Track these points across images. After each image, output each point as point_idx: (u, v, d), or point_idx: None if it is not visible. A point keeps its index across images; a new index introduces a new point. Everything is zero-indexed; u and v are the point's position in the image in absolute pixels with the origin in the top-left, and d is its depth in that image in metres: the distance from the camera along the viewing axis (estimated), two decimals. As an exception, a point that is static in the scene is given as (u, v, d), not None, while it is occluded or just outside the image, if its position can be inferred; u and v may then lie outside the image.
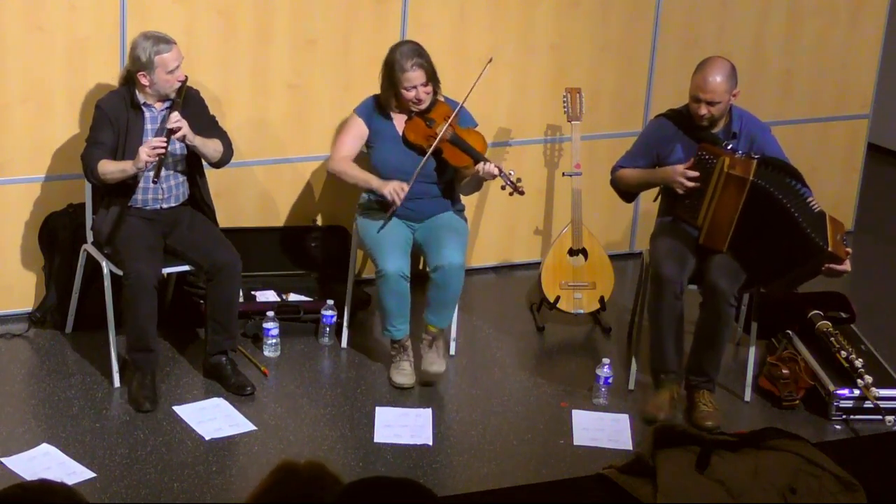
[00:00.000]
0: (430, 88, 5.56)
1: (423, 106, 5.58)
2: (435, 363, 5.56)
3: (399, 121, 5.64)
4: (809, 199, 5.30)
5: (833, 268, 5.24)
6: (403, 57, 5.51)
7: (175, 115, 5.27)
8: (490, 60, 5.73)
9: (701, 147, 5.34)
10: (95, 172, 5.29)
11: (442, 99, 5.67)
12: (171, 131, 5.25)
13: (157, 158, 5.23)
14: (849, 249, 5.27)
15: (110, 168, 5.29)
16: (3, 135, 5.71)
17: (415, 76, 5.51)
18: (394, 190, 5.50)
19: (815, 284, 6.26)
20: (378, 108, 5.66)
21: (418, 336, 5.63)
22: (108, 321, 5.46)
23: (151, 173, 5.29)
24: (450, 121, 5.56)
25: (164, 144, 5.22)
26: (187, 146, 5.39)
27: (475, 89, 5.63)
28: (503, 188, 5.52)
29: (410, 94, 5.53)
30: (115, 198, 5.40)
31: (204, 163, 5.54)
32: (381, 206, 5.64)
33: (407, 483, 2.65)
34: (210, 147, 5.41)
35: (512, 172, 5.53)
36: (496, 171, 5.47)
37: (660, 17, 6.67)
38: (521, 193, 5.53)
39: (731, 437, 4.80)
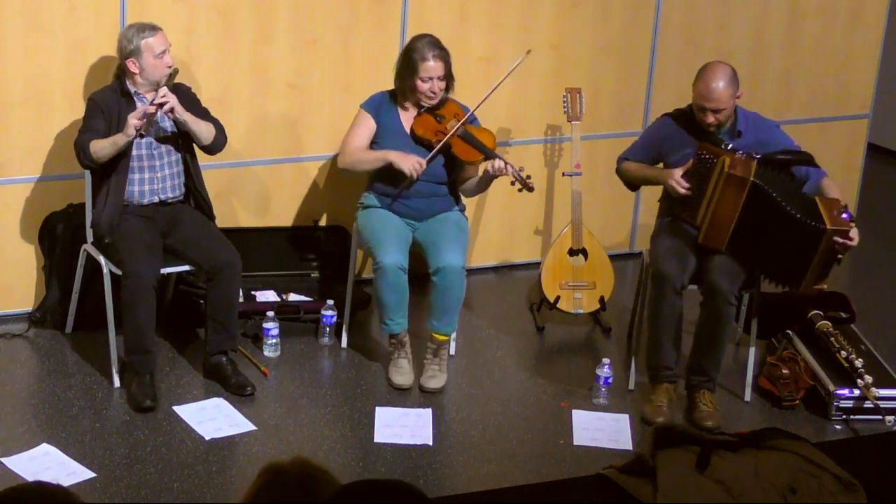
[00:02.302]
0: (444, 84, 5.57)
1: (435, 101, 5.59)
2: (434, 377, 5.56)
3: (407, 116, 5.64)
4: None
5: (844, 242, 5.21)
6: (425, 47, 5.52)
7: (164, 89, 5.29)
8: (528, 52, 5.75)
9: (701, 146, 5.34)
10: (88, 152, 5.31)
11: (452, 99, 5.68)
12: (161, 105, 5.27)
13: (144, 121, 5.24)
14: (852, 224, 5.22)
15: (101, 143, 5.30)
16: (3, 135, 5.71)
17: (434, 67, 5.51)
18: (413, 165, 5.49)
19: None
20: (387, 102, 5.66)
21: (419, 338, 5.63)
22: (108, 321, 5.46)
23: (146, 160, 5.36)
24: (462, 119, 5.56)
25: (152, 110, 5.24)
26: (178, 127, 5.40)
27: (487, 87, 5.65)
28: (512, 184, 5.52)
29: (426, 86, 5.53)
30: (112, 187, 5.39)
31: (198, 156, 5.54)
32: (382, 205, 5.64)
33: (397, 484, 2.65)
34: (202, 126, 5.42)
35: (522, 168, 5.53)
36: (506, 168, 5.47)
37: (660, 17, 6.67)
38: (531, 189, 5.53)
39: (731, 437, 4.80)
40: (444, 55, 5.55)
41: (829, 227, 5.17)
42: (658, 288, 5.35)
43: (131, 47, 5.32)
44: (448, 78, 5.59)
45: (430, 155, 5.52)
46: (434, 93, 5.56)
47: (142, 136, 5.33)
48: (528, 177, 5.51)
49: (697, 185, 5.32)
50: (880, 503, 4.56)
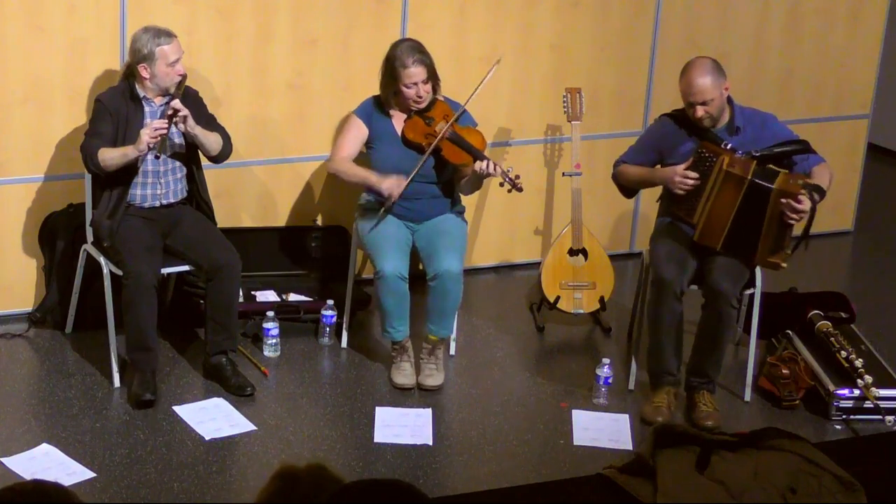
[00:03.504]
0: (429, 87, 5.56)
1: (423, 104, 5.58)
2: (432, 376, 5.56)
3: (398, 120, 5.64)
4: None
5: (791, 204, 5.19)
6: (404, 53, 5.51)
7: (177, 102, 5.28)
8: (498, 61, 5.73)
9: (701, 145, 5.34)
10: (95, 159, 5.30)
11: (441, 98, 5.67)
12: (172, 115, 5.26)
13: (158, 139, 5.24)
14: (802, 189, 5.21)
15: (111, 154, 5.30)
16: (3, 135, 5.71)
17: (416, 72, 5.50)
18: (391, 186, 5.50)
19: (815, 284, 6.28)
20: (377, 107, 5.66)
21: (419, 340, 5.63)
22: (108, 321, 5.46)
23: (150, 165, 5.33)
24: (451, 121, 5.56)
25: (165, 126, 5.24)
26: (186, 140, 5.40)
27: (478, 89, 5.62)
28: (502, 185, 5.52)
29: (411, 92, 5.53)
30: (115, 191, 5.39)
31: (202, 160, 5.55)
32: (380, 206, 5.64)
33: (397, 484, 2.64)
34: (210, 138, 5.42)
35: (510, 169, 5.53)
36: (493, 170, 5.46)
37: (660, 17, 6.67)
38: (520, 190, 5.53)
39: (731, 437, 4.79)
40: (424, 59, 5.53)
41: (776, 186, 5.18)
42: (658, 293, 5.34)
43: (145, 52, 5.30)
44: (432, 79, 5.58)
45: (416, 168, 5.51)
46: (420, 97, 5.55)
47: (157, 157, 5.33)
48: (517, 177, 5.50)
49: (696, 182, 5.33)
50: (880, 503, 4.56)
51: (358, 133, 5.66)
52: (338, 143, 5.68)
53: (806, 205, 5.19)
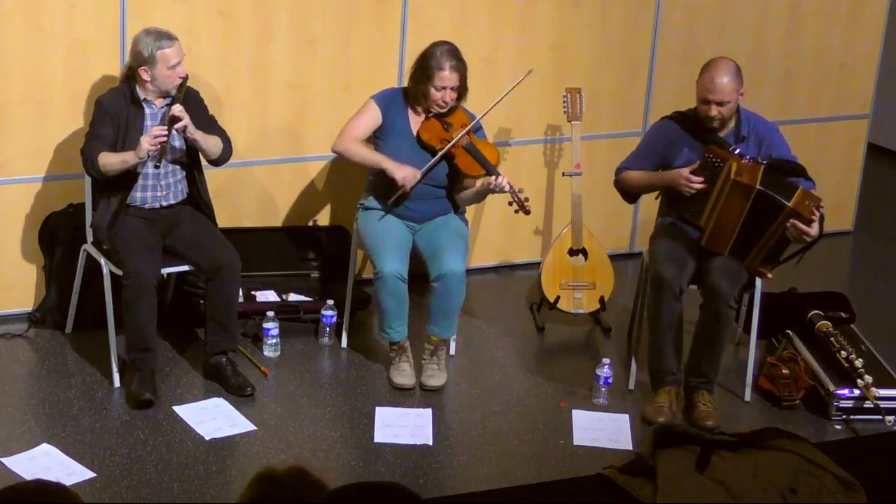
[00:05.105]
0: (456, 95, 5.56)
1: (445, 110, 5.57)
2: (434, 376, 5.56)
3: (415, 119, 5.63)
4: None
5: (798, 226, 5.19)
6: (443, 56, 5.50)
7: (177, 107, 5.28)
8: (530, 71, 5.73)
9: (708, 149, 5.33)
10: (96, 164, 5.29)
11: (462, 107, 5.66)
12: (173, 120, 5.26)
13: (158, 147, 5.24)
14: (815, 216, 5.21)
15: (111, 160, 5.29)
16: (3, 135, 5.71)
17: (449, 77, 5.50)
18: (406, 176, 5.48)
19: (816, 284, 6.28)
20: (399, 100, 5.64)
21: (419, 340, 5.63)
22: (108, 321, 5.46)
23: (150, 168, 5.32)
24: (467, 129, 5.55)
25: (166, 133, 5.23)
26: (186, 142, 5.40)
27: (487, 88, 5.64)
28: (510, 204, 5.51)
29: (438, 95, 5.52)
30: (115, 194, 5.39)
31: (203, 161, 5.55)
32: (382, 207, 5.63)
33: (391, 487, 2.64)
34: (210, 142, 5.42)
35: (521, 190, 5.52)
36: (507, 187, 5.45)
37: (660, 17, 6.67)
38: (528, 213, 5.52)
39: (731, 437, 4.80)
40: (460, 66, 5.53)
41: (791, 205, 5.17)
42: (657, 293, 5.34)
43: (146, 55, 5.29)
44: (462, 89, 5.58)
45: (427, 167, 5.51)
46: (445, 102, 5.55)
47: (157, 167, 5.32)
48: (527, 199, 5.49)
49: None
50: (880, 503, 4.56)
51: (372, 119, 5.63)
52: (349, 124, 5.63)
53: (814, 230, 5.20)
